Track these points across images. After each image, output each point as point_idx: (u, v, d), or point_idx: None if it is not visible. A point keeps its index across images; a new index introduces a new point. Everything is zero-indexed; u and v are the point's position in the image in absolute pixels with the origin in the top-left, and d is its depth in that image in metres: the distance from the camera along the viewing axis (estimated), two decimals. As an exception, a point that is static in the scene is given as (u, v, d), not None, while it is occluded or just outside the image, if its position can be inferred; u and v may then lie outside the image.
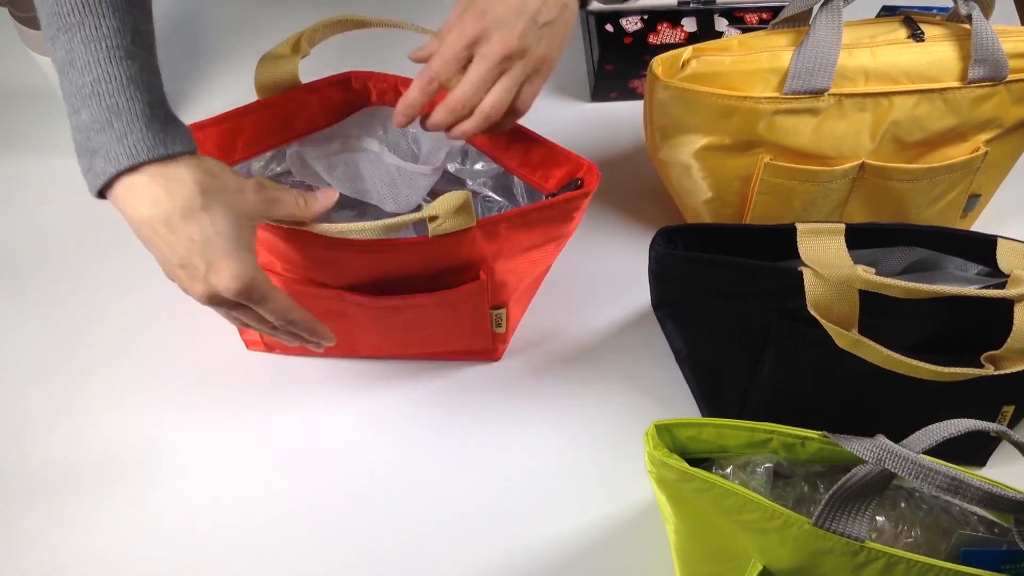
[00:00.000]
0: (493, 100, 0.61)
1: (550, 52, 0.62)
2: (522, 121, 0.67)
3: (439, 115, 0.62)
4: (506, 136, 0.69)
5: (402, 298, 0.68)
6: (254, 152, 0.69)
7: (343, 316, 0.70)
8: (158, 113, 0.54)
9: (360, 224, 0.60)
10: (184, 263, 0.54)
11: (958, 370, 0.63)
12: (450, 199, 0.62)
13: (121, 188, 0.53)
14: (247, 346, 0.78)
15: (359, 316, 0.70)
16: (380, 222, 0.61)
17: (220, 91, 0.93)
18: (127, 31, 0.53)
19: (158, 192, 0.52)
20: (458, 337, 0.75)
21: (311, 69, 0.70)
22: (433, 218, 0.62)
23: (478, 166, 0.75)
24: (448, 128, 0.63)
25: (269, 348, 0.78)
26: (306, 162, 0.73)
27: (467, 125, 0.62)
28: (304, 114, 0.70)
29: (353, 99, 0.71)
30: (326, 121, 0.71)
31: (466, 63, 0.61)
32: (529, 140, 0.68)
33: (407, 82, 0.69)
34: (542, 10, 0.60)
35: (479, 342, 0.76)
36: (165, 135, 0.53)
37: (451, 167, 0.75)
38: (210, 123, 0.67)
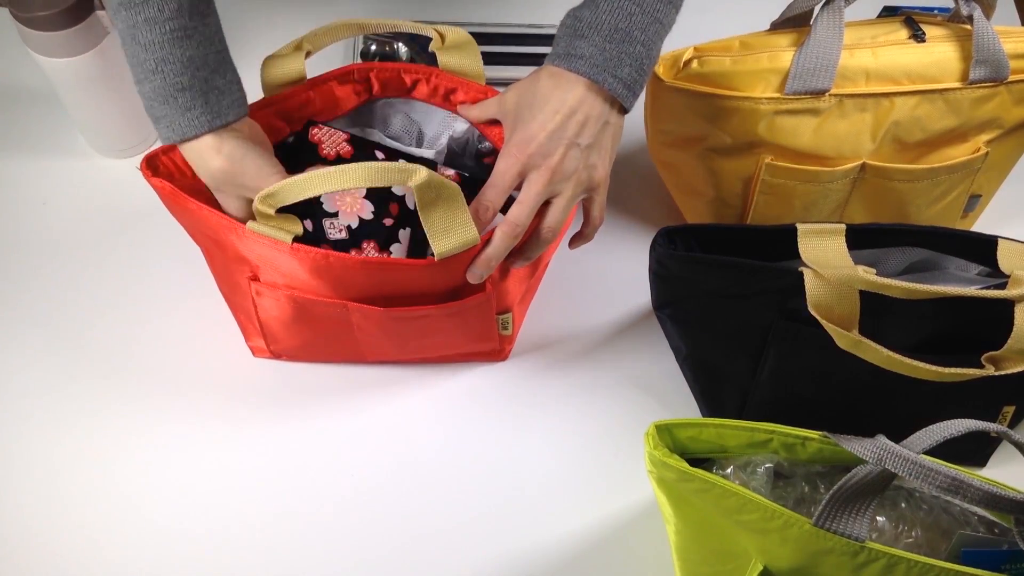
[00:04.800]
0: (549, 221, 0.65)
1: (599, 169, 0.65)
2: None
3: (497, 241, 0.63)
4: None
5: (408, 309, 0.67)
6: None
7: (348, 325, 0.70)
8: (214, 83, 0.60)
9: (343, 167, 0.58)
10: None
11: (958, 371, 0.63)
12: (440, 180, 0.59)
13: (186, 150, 0.62)
14: (253, 353, 0.78)
15: (365, 325, 0.70)
16: (367, 164, 0.58)
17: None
18: (185, 6, 0.58)
19: (217, 155, 0.61)
20: (465, 342, 0.75)
21: (315, 63, 0.70)
22: (415, 177, 0.59)
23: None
24: (505, 253, 0.64)
25: (275, 355, 0.77)
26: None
27: (529, 251, 0.66)
28: (308, 109, 0.70)
29: (357, 91, 0.71)
30: (329, 115, 0.71)
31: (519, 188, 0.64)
32: None
33: (409, 69, 0.69)
34: (582, 133, 0.63)
35: (487, 344, 0.76)
36: (219, 106, 0.60)
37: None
38: None
